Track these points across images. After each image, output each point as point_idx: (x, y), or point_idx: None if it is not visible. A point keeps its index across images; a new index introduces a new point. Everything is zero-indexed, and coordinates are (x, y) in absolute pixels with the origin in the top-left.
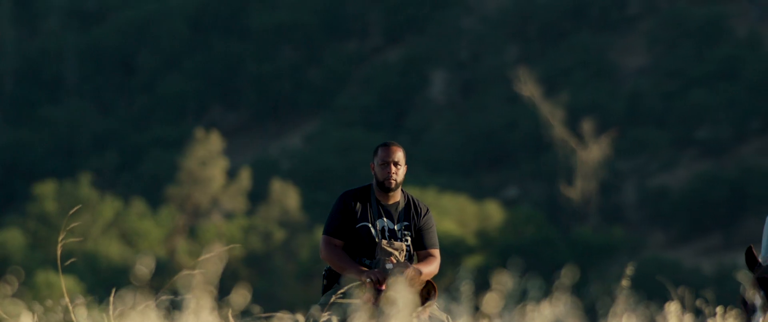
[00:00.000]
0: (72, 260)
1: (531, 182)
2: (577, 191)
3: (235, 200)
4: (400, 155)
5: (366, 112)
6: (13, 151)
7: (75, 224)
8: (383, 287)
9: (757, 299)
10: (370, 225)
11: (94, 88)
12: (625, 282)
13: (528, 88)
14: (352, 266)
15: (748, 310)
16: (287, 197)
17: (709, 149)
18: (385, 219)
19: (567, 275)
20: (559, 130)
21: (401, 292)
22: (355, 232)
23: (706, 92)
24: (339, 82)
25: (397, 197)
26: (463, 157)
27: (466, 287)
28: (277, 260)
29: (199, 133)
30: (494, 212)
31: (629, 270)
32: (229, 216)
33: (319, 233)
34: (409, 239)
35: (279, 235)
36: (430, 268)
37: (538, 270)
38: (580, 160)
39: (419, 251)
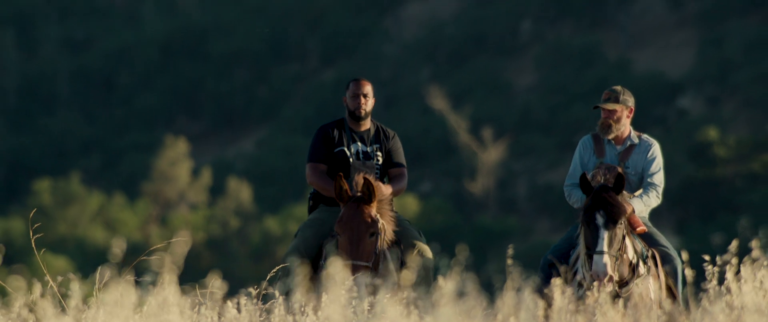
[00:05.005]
0: (43, 250)
1: (441, 178)
2: (478, 186)
3: (199, 194)
4: (368, 89)
5: (306, 123)
6: (16, 153)
7: (37, 225)
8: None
9: (599, 218)
10: (345, 148)
11: (82, 102)
12: (509, 260)
13: (438, 102)
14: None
15: (592, 230)
16: (241, 191)
17: None
18: (359, 143)
19: (461, 254)
20: (463, 136)
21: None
22: (333, 156)
23: (584, 106)
24: (283, 98)
25: (368, 124)
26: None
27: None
28: (233, 244)
29: (169, 139)
30: (411, 204)
31: (511, 251)
32: (193, 207)
33: (268, 223)
34: (380, 158)
35: (234, 223)
36: (400, 184)
37: (447, 252)
38: (481, 161)
39: (390, 170)
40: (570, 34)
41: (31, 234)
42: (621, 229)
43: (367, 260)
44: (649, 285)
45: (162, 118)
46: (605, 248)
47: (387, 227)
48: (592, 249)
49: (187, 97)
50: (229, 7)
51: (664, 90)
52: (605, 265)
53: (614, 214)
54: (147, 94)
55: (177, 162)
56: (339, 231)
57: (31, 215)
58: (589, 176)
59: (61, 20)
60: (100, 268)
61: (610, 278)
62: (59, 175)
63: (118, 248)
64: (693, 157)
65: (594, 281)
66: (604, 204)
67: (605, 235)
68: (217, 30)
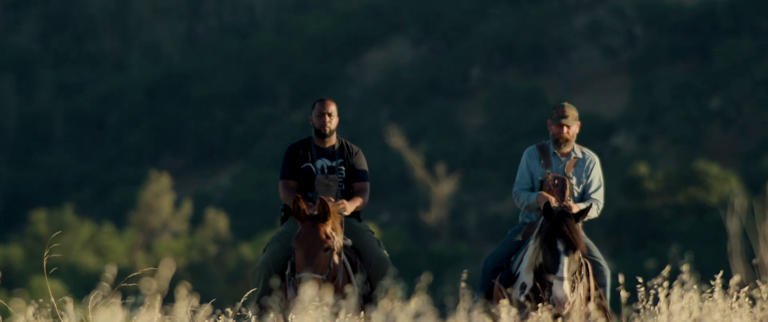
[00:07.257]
0: (54, 269)
1: (399, 210)
2: (432, 216)
3: (180, 223)
4: (333, 108)
5: (277, 159)
6: (15, 186)
7: (56, 244)
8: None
9: (560, 245)
10: (311, 165)
11: (75, 141)
12: (463, 284)
13: (396, 140)
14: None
15: (554, 255)
16: (218, 221)
17: None
18: (324, 159)
19: (423, 280)
20: (419, 171)
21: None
22: (300, 172)
23: (528, 143)
24: (257, 137)
25: (333, 141)
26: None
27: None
28: (211, 268)
29: (153, 174)
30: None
31: (464, 275)
32: (175, 235)
33: (243, 249)
34: (343, 173)
35: (212, 249)
36: (364, 198)
37: (404, 276)
38: (435, 193)
39: (354, 184)
40: (515, 79)
41: (44, 259)
42: (578, 254)
43: (320, 273)
44: (579, 295)
45: (147, 154)
46: (565, 275)
47: (338, 239)
48: (552, 272)
49: (170, 135)
50: (208, 54)
51: (599, 130)
52: (565, 290)
53: (574, 242)
54: (134, 133)
55: (161, 194)
56: (296, 247)
57: (50, 238)
58: (540, 181)
59: (56, 67)
60: (94, 292)
61: (569, 303)
62: (54, 206)
63: (110, 273)
64: (625, 190)
65: (554, 304)
66: (564, 232)
67: (566, 260)
68: (198, 75)
